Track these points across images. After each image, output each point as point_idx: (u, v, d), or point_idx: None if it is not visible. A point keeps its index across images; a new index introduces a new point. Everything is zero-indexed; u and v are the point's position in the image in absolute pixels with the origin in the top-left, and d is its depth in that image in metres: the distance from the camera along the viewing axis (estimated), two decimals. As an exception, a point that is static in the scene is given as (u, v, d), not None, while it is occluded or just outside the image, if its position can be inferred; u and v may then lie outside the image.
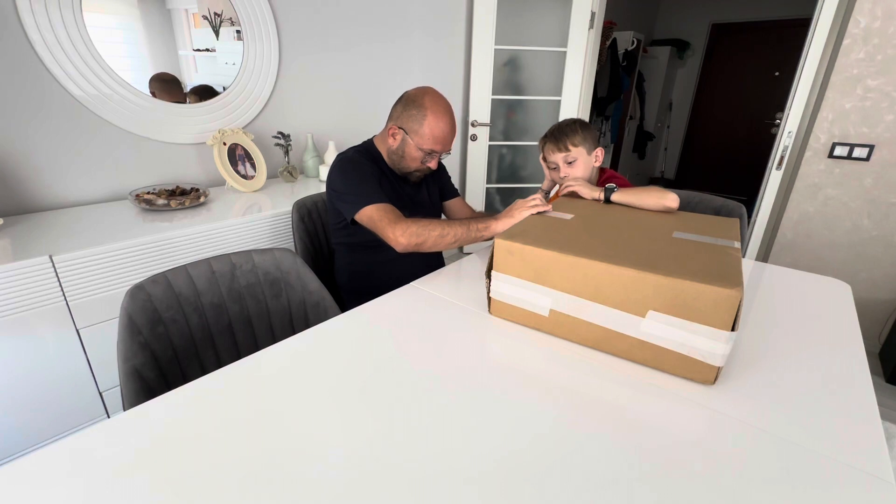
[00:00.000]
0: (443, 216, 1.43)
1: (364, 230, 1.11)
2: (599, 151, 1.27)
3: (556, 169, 1.29)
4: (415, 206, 1.23)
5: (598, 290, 0.71)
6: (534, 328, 0.82)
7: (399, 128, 1.14)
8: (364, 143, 1.25)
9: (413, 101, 1.13)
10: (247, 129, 1.75)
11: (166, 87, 1.57)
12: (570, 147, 1.24)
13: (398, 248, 1.03)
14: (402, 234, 1.02)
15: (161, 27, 1.52)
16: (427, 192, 1.32)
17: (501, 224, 1.02)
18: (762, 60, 4.44)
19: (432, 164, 1.18)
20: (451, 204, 1.42)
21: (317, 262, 1.33)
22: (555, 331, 0.79)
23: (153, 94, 1.53)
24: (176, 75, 1.59)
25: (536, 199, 1.02)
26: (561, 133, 1.26)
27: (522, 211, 1.00)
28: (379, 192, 1.09)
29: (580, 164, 1.26)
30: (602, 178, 1.32)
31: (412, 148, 1.13)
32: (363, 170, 1.13)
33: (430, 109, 1.11)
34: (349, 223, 1.12)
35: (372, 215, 1.06)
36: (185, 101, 1.62)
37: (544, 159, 1.32)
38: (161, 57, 1.53)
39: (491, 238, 1.00)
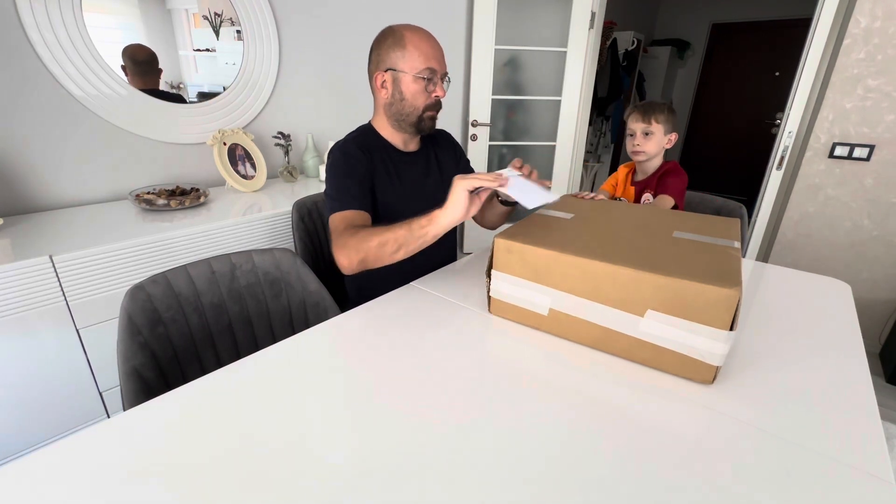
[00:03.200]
0: None
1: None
2: (674, 136, 1.41)
3: (633, 136, 1.42)
4: (428, 190, 1.12)
5: (597, 290, 0.71)
6: (533, 327, 0.82)
7: (384, 71, 1.01)
8: (360, 126, 1.13)
9: (383, 35, 1.02)
10: (247, 129, 1.75)
11: (141, 69, 1.48)
12: (653, 121, 1.38)
13: (345, 272, 0.91)
14: (341, 253, 0.88)
15: (161, 27, 1.51)
16: (440, 175, 1.17)
17: (445, 214, 0.81)
18: (762, 60, 4.44)
19: (438, 91, 1.03)
20: None
21: (317, 262, 1.33)
22: (554, 330, 0.79)
23: (123, 69, 1.43)
24: (153, 52, 1.49)
25: (479, 176, 0.80)
26: (650, 107, 1.40)
27: (459, 192, 0.79)
28: (356, 193, 0.98)
29: (654, 139, 1.39)
30: (664, 167, 1.43)
31: (408, 81, 1.00)
32: (346, 163, 1.01)
33: (406, 30, 1.00)
34: None
35: (332, 226, 0.95)
36: (159, 84, 1.54)
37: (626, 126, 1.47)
38: (161, 57, 1.53)
39: (439, 234, 0.84)
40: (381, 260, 0.87)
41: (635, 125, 1.41)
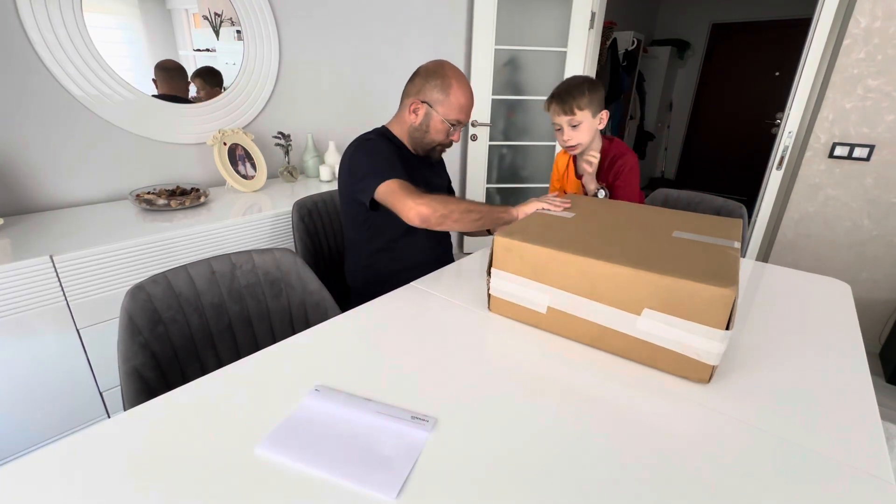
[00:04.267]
0: None
1: (384, 229, 1.12)
2: (604, 114, 1.26)
3: (561, 130, 1.26)
4: (432, 191, 1.21)
5: (594, 288, 0.71)
6: (532, 325, 0.82)
7: (422, 102, 1.12)
8: (377, 128, 1.21)
9: (434, 73, 1.11)
10: (247, 129, 1.75)
11: (168, 75, 1.55)
12: (576, 111, 1.21)
13: (417, 220, 0.98)
14: (424, 204, 0.97)
15: (161, 27, 1.51)
16: (442, 182, 1.32)
17: (518, 210, 1.04)
18: (762, 60, 4.44)
19: (455, 137, 1.17)
20: None
21: (317, 262, 1.33)
22: (552, 328, 0.79)
23: (154, 83, 1.51)
24: (181, 64, 1.57)
25: (550, 203, 1.02)
26: (568, 95, 1.22)
27: (532, 205, 1.02)
28: (398, 168, 1.06)
29: (584, 127, 1.24)
30: (611, 152, 1.30)
31: (437, 120, 1.12)
32: (381, 148, 1.10)
33: (454, 78, 1.11)
34: (367, 217, 1.11)
35: (389, 190, 1.01)
36: (188, 93, 1.61)
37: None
38: (161, 57, 1.53)
39: (505, 223, 1.02)
40: (460, 223, 1.01)
41: (558, 119, 1.24)
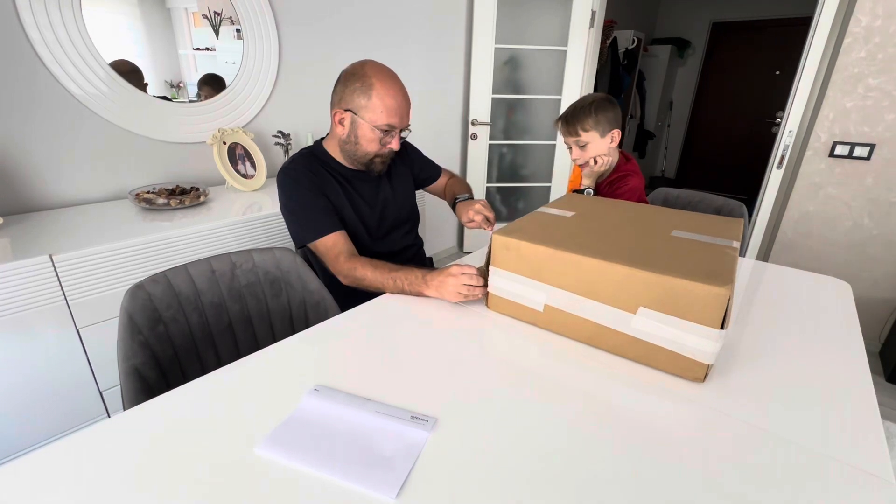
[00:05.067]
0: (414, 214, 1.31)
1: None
2: (616, 133, 1.27)
3: (570, 149, 1.32)
4: (381, 206, 1.15)
5: (590, 287, 0.71)
6: (529, 323, 0.82)
7: (345, 110, 1.00)
8: (310, 146, 1.13)
9: (353, 75, 0.99)
10: (247, 128, 1.75)
11: (125, 78, 1.45)
12: (581, 132, 1.25)
13: (342, 281, 1.01)
14: (341, 276, 1.00)
15: (161, 26, 1.51)
16: (391, 187, 1.18)
17: (431, 290, 0.90)
18: (763, 59, 4.43)
19: (394, 144, 1.05)
20: (437, 186, 1.36)
21: (316, 262, 1.33)
22: (549, 326, 0.79)
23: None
24: (137, 65, 1.47)
25: (471, 274, 0.87)
26: (573, 117, 1.26)
27: (453, 288, 0.86)
28: (328, 218, 1.02)
29: (592, 147, 1.27)
30: (620, 171, 1.33)
31: (366, 129, 1.00)
32: (303, 189, 1.02)
33: (376, 78, 0.97)
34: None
35: (320, 248, 1.01)
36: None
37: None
38: (161, 56, 1.53)
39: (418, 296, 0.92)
40: (370, 290, 0.97)
41: (566, 139, 1.29)
